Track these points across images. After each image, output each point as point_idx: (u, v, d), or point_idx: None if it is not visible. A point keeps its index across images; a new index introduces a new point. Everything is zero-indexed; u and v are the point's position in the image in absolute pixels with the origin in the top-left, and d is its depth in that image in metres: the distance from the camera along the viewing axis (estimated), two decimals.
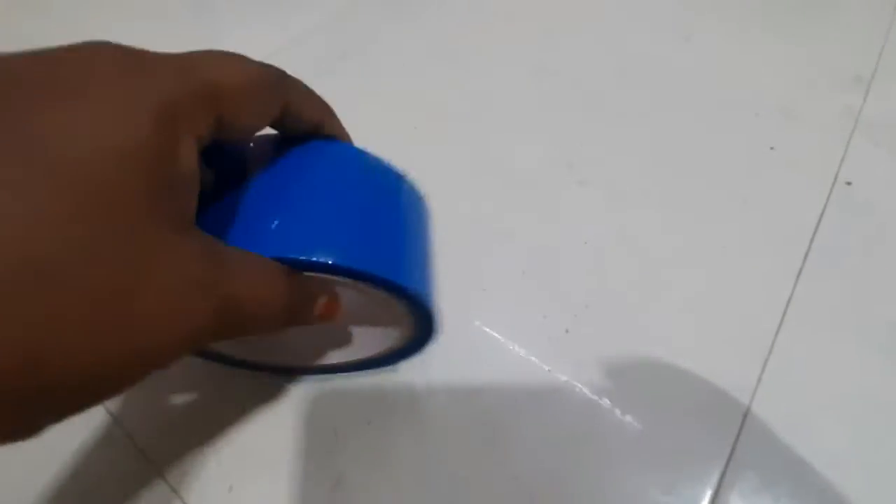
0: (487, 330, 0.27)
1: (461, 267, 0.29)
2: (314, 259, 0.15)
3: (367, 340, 0.23)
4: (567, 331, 0.27)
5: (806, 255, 0.30)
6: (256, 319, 0.14)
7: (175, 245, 0.11)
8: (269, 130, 0.18)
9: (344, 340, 0.24)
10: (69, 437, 0.23)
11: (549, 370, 0.26)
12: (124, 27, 0.46)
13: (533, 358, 0.26)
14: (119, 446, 0.23)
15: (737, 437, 0.24)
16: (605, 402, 0.25)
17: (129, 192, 0.10)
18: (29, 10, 0.48)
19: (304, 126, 0.18)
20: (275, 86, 0.16)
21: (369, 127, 0.38)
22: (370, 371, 0.25)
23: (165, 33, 0.45)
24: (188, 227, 0.13)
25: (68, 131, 0.10)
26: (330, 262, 0.16)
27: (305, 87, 0.18)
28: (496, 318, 0.27)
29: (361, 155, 0.20)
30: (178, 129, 0.12)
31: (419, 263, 0.20)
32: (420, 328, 0.21)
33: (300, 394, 0.25)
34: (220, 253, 0.13)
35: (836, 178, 0.33)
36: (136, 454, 0.23)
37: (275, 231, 0.16)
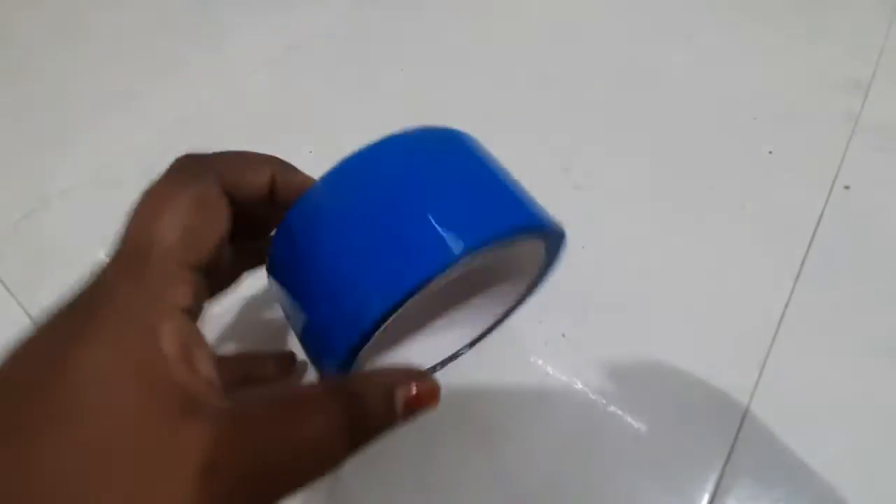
0: None
1: None
2: (495, 231, 0.15)
3: (487, 306, 0.22)
4: (563, 335, 0.27)
5: (804, 258, 0.30)
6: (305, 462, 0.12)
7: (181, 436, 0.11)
8: None
9: (466, 318, 0.23)
10: None
11: (546, 373, 0.26)
12: (128, 33, 0.47)
13: (531, 361, 0.26)
14: None
15: (734, 439, 0.24)
16: (603, 404, 0.25)
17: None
18: (26, 8, 0.49)
19: (252, 194, 0.17)
20: (206, 189, 0.15)
21: (368, 130, 0.38)
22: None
23: (169, 39, 0.46)
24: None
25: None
26: (493, 234, 0.15)
27: (235, 153, 0.18)
28: None
29: (397, 141, 0.18)
30: (151, 324, 0.13)
31: (524, 193, 0.18)
32: (550, 253, 0.20)
33: None
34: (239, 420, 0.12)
35: (834, 182, 0.33)
36: None
37: (427, 241, 0.14)
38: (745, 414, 0.24)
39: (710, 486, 0.22)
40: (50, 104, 0.41)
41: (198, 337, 0.14)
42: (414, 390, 0.13)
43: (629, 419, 0.24)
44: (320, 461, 0.12)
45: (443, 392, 0.24)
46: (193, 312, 0.14)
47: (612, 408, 0.25)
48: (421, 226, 0.15)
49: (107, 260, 0.14)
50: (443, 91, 0.40)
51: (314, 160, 0.36)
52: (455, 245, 0.14)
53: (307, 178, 0.18)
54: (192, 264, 0.14)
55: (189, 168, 0.16)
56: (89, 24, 0.48)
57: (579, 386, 0.25)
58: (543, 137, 0.37)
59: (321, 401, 0.13)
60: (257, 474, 0.12)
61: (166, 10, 0.49)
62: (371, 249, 0.15)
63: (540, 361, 0.26)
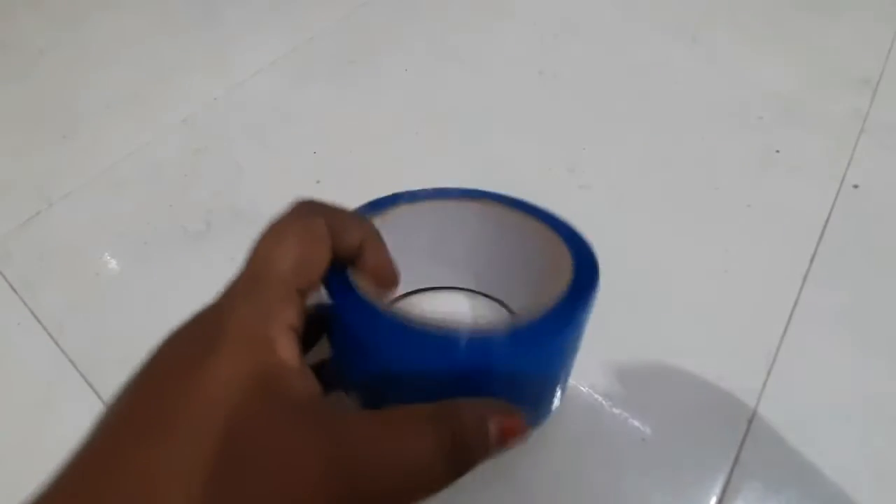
0: None
1: None
2: None
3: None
4: None
5: (812, 258, 0.29)
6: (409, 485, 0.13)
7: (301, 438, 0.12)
8: None
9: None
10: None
11: None
12: (132, 34, 0.47)
13: None
14: None
15: (742, 441, 0.23)
16: (609, 406, 0.24)
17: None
18: (30, 10, 0.49)
19: (344, 252, 0.17)
20: (322, 229, 0.16)
21: (374, 131, 0.38)
22: None
23: (173, 39, 0.46)
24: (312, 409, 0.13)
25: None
26: None
27: (342, 209, 0.18)
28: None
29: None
30: (272, 337, 0.14)
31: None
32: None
33: None
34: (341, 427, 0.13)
35: (842, 182, 0.33)
36: None
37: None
38: (753, 415, 0.24)
39: (717, 489, 0.22)
40: (54, 106, 0.41)
41: (300, 351, 0.15)
42: (507, 422, 0.14)
43: (635, 421, 0.24)
44: (421, 484, 0.13)
45: None
46: (298, 331, 0.15)
47: (617, 410, 0.24)
48: None
49: (114, 262, 0.15)
50: (448, 91, 0.40)
51: (318, 161, 0.36)
52: None
53: (388, 260, 0.19)
54: (300, 288, 0.15)
55: (304, 207, 0.17)
56: (92, 25, 0.48)
57: (584, 388, 0.25)
58: (548, 137, 0.36)
59: (423, 422, 0.13)
60: (363, 487, 0.12)
61: (170, 11, 0.49)
62: None
63: None
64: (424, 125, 0.38)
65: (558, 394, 0.20)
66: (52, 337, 0.28)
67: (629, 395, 0.25)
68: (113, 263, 0.31)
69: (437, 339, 0.16)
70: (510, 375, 0.16)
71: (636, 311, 0.27)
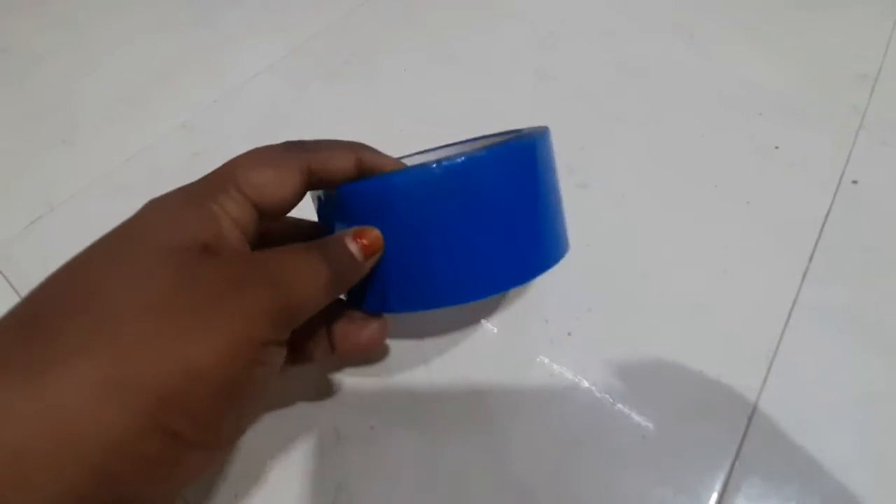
0: (490, 333, 0.27)
1: None
2: None
3: None
4: (569, 334, 0.27)
5: (811, 255, 0.30)
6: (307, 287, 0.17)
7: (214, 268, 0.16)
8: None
9: None
10: None
11: (552, 372, 0.26)
12: (130, 37, 0.47)
13: (537, 360, 0.26)
14: None
15: (743, 437, 0.23)
16: (610, 403, 0.25)
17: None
18: (29, 15, 0.49)
19: (340, 174, 0.20)
20: (290, 158, 0.19)
21: (372, 132, 0.38)
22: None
23: (171, 43, 0.46)
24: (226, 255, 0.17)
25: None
26: None
27: (326, 140, 0.20)
28: (498, 321, 0.27)
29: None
30: (212, 213, 0.17)
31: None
32: None
33: (303, 398, 0.25)
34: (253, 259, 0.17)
35: (841, 178, 0.33)
36: None
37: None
38: (754, 412, 0.24)
39: (718, 485, 0.22)
40: (53, 110, 0.41)
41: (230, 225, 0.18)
42: (361, 232, 0.18)
43: (636, 417, 0.24)
44: (314, 281, 0.17)
45: (447, 390, 0.24)
46: (239, 224, 0.18)
47: (618, 406, 0.24)
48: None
49: None
50: (446, 90, 0.40)
51: None
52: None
53: (393, 161, 0.21)
54: (255, 201, 0.18)
55: (286, 144, 0.20)
56: (91, 29, 0.48)
57: (585, 384, 0.25)
58: None
59: (303, 248, 0.18)
60: (277, 298, 0.16)
61: (167, 15, 0.49)
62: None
63: (546, 360, 0.26)
64: (423, 125, 0.38)
65: (558, 229, 0.22)
66: None
67: (630, 391, 0.25)
68: None
69: (431, 167, 0.18)
70: (500, 190, 0.19)
71: (636, 309, 0.28)
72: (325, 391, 0.25)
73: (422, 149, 0.26)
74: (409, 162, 0.23)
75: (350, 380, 0.26)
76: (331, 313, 0.21)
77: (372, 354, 0.26)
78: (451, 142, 0.26)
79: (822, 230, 0.31)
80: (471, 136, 0.31)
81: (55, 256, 0.33)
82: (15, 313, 0.15)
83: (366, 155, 0.20)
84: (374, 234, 0.18)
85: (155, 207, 0.17)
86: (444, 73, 0.42)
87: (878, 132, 0.36)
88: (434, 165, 0.18)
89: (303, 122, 0.38)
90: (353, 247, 0.18)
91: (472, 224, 0.18)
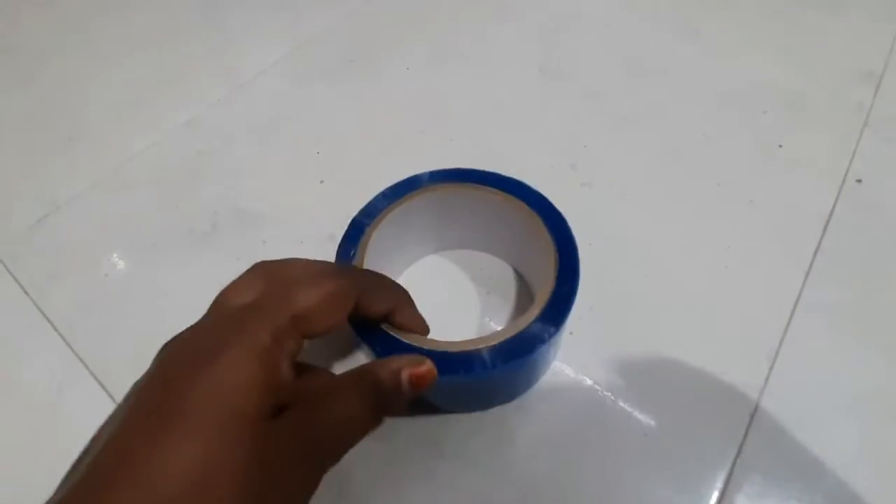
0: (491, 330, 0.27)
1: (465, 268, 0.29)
2: None
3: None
4: (572, 333, 0.27)
5: (815, 253, 0.29)
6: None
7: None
8: None
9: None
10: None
11: (555, 370, 0.26)
12: (135, 36, 0.47)
13: None
14: None
15: (744, 436, 0.24)
16: (613, 401, 0.25)
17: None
18: (36, 15, 0.50)
19: (374, 316, 0.20)
20: (348, 293, 0.18)
21: (376, 129, 0.39)
22: None
23: (176, 42, 0.46)
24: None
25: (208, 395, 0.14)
26: None
27: (377, 278, 0.21)
28: (501, 320, 0.27)
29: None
30: (276, 360, 0.15)
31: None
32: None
33: None
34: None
35: (846, 176, 0.33)
36: None
37: None
38: (755, 410, 0.24)
39: (719, 483, 0.22)
40: (59, 109, 0.42)
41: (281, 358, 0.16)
42: (415, 371, 0.17)
43: (638, 415, 0.24)
44: (355, 432, 0.16)
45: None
46: (292, 358, 0.16)
47: (621, 404, 0.25)
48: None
49: (122, 263, 0.16)
50: (450, 88, 0.40)
51: (322, 161, 0.37)
52: None
53: (420, 322, 0.22)
54: (304, 332, 0.17)
55: (347, 272, 0.20)
56: (96, 28, 0.48)
57: (588, 383, 0.25)
58: (551, 134, 0.37)
59: (350, 387, 0.17)
60: (313, 444, 0.15)
61: (172, 14, 0.49)
62: None
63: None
64: (426, 123, 0.38)
65: (548, 367, 0.26)
66: (63, 338, 0.29)
67: (632, 389, 0.25)
68: (122, 264, 0.32)
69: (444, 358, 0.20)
70: (498, 377, 0.21)
71: (639, 308, 0.28)
72: None
73: (426, 170, 0.26)
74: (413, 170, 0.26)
75: None
76: None
77: None
78: (449, 168, 0.27)
79: (825, 229, 0.31)
80: (471, 136, 0.31)
81: (62, 255, 0.33)
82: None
83: (403, 311, 0.21)
84: (428, 367, 0.18)
85: (226, 360, 0.15)
86: (447, 71, 0.42)
87: (883, 130, 0.36)
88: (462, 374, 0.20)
89: (307, 121, 0.39)
90: (406, 383, 0.17)
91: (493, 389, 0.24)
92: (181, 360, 0.15)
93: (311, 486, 0.15)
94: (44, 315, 0.30)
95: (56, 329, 0.29)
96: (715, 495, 0.22)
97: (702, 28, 0.44)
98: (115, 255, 0.32)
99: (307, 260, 0.19)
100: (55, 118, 0.41)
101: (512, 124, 0.38)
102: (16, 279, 0.31)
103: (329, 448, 0.16)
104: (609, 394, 0.25)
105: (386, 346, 0.21)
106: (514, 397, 0.25)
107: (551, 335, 0.21)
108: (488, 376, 0.20)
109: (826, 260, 0.29)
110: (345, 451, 0.16)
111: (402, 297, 0.21)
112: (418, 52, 0.43)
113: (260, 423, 0.14)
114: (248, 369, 0.14)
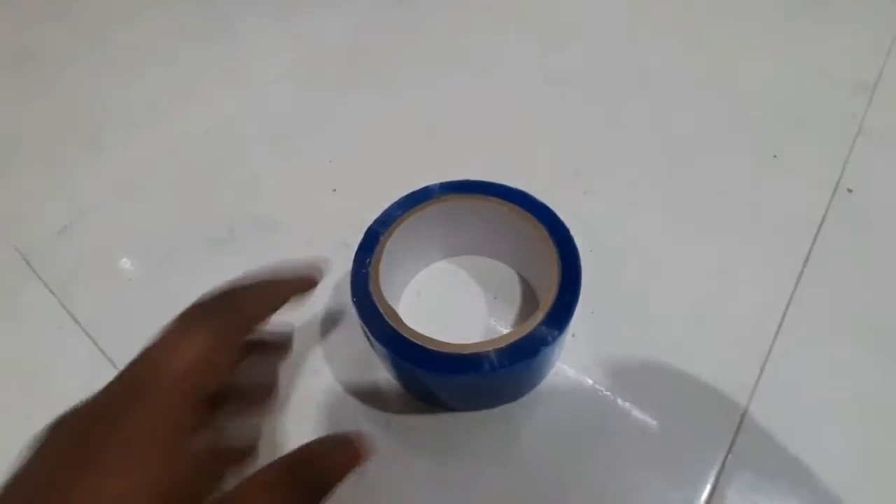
0: (500, 335, 0.28)
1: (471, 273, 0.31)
2: None
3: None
4: (573, 335, 0.28)
5: (806, 259, 0.31)
6: None
7: None
8: None
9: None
10: None
11: (557, 371, 0.27)
12: (151, 47, 0.48)
13: None
14: None
15: (735, 433, 0.25)
16: (612, 400, 0.26)
17: None
18: (54, 23, 0.51)
19: (266, 317, 0.19)
20: (204, 329, 0.17)
21: (386, 138, 0.40)
22: None
23: (192, 52, 0.48)
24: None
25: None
26: None
27: (236, 292, 0.20)
28: (507, 323, 0.29)
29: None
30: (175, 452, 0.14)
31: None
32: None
33: (318, 400, 0.27)
34: None
35: (837, 185, 0.34)
36: None
37: None
38: (747, 410, 0.26)
39: (711, 477, 0.24)
40: (79, 119, 0.43)
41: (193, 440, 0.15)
42: (342, 457, 0.16)
43: (637, 414, 0.26)
44: None
45: None
46: (194, 424, 0.15)
47: (620, 403, 0.26)
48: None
49: (145, 268, 0.16)
50: (459, 95, 0.42)
51: (334, 169, 0.38)
52: None
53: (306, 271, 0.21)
54: (198, 391, 0.15)
55: (198, 311, 0.18)
56: (112, 40, 0.50)
57: (589, 383, 0.27)
58: (554, 142, 0.38)
59: (272, 485, 0.15)
60: None
61: (186, 25, 0.51)
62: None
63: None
64: (434, 132, 0.39)
65: (551, 368, 0.27)
66: (91, 339, 0.30)
67: (631, 389, 0.26)
68: (144, 270, 0.33)
69: (447, 358, 0.22)
70: (504, 377, 0.23)
71: (637, 311, 0.29)
72: (347, 390, 0.27)
73: (425, 184, 0.28)
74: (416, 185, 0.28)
75: (368, 380, 0.27)
76: None
77: None
78: (457, 178, 0.28)
79: (816, 236, 0.32)
80: (478, 144, 0.32)
81: (88, 261, 0.35)
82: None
83: (286, 292, 0.20)
84: (363, 448, 0.16)
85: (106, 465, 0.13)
86: (455, 78, 0.43)
87: (876, 140, 0.37)
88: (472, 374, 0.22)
89: (319, 130, 0.40)
90: (335, 467, 0.16)
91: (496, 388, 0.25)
92: (67, 454, 0.14)
93: None
94: (73, 317, 0.31)
95: (84, 330, 0.31)
96: (707, 488, 0.24)
97: (698, 40, 0.45)
98: (138, 261, 0.33)
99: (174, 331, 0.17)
100: (76, 127, 0.42)
101: (517, 132, 0.39)
102: (45, 283, 0.33)
103: None
104: (609, 394, 0.26)
105: (394, 344, 0.23)
106: (519, 396, 0.26)
107: (555, 338, 0.22)
108: (495, 376, 0.22)
109: (817, 267, 0.30)
110: None
111: (274, 284, 0.20)
112: (426, 61, 0.45)
113: None
114: (133, 476, 0.13)
